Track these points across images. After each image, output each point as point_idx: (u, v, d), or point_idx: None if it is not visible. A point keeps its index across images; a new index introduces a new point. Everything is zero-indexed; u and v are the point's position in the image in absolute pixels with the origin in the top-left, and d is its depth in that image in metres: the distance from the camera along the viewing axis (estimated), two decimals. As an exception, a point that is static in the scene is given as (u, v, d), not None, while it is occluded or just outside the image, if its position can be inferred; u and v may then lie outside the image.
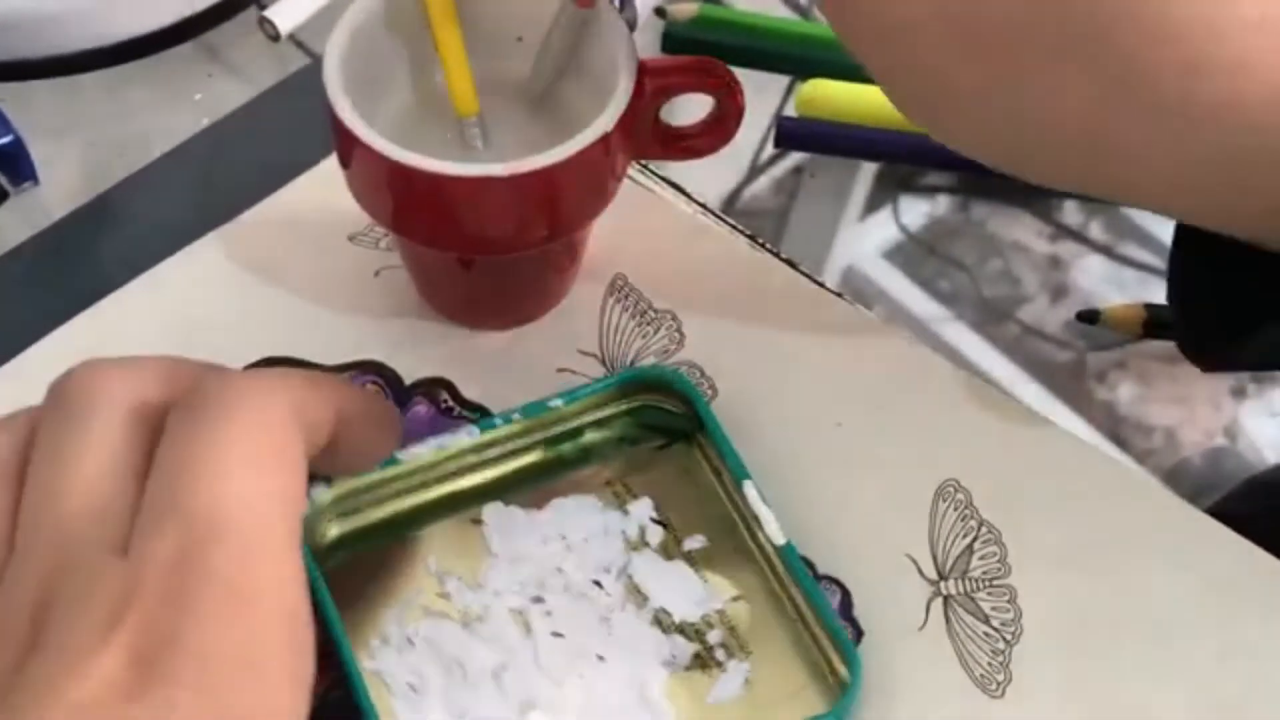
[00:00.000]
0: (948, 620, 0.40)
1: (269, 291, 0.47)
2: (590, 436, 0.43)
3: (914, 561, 0.41)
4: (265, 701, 0.29)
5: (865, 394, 0.45)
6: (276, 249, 0.47)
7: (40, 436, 0.32)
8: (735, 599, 0.40)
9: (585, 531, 0.41)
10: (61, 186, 0.51)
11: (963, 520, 0.42)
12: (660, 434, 0.43)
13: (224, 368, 0.36)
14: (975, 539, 0.42)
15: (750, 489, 0.40)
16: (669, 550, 0.41)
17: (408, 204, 0.41)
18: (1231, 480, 0.47)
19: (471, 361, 0.45)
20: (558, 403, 0.42)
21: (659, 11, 0.56)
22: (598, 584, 0.40)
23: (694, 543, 0.41)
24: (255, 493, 0.30)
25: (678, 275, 0.47)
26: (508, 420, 0.42)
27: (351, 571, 0.40)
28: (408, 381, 0.45)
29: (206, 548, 0.29)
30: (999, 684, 0.39)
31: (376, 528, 0.41)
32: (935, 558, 0.41)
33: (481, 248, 0.43)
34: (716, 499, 0.42)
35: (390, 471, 0.41)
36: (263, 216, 0.48)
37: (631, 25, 0.44)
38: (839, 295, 0.47)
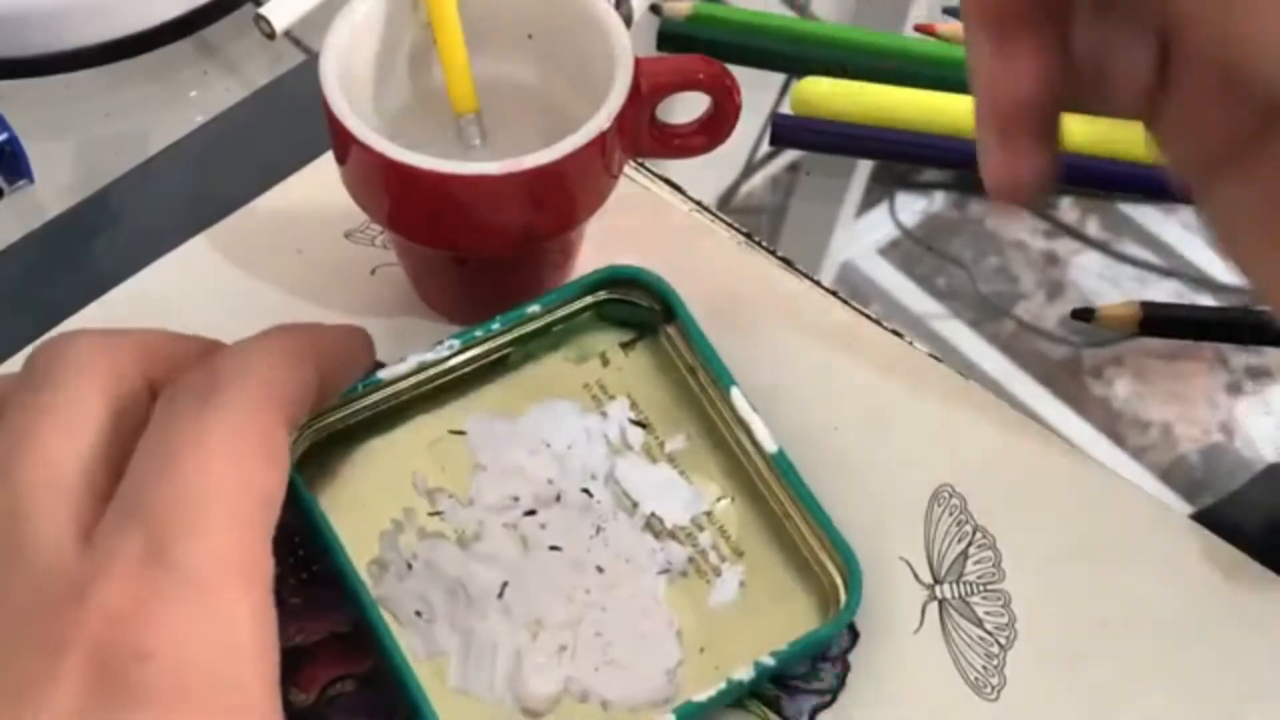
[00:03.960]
0: (943, 624, 0.40)
1: (265, 288, 0.46)
2: (559, 329, 0.43)
3: (909, 565, 0.41)
4: (245, 715, 0.27)
5: (861, 396, 0.45)
6: (272, 246, 0.47)
7: (7, 406, 0.31)
8: (720, 499, 0.41)
9: (568, 438, 0.41)
10: (57, 184, 0.50)
11: (958, 525, 0.42)
12: (628, 328, 0.44)
13: (206, 341, 0.34)
14: (970, 544, 0.42)
15: (737, 395, 0.41)
16: (652, 453, 0.41)
17: (404, 202, 0.41)
18: (1228, 476, 0.47)
19: (467, 360, 0.45)
20: (535, 307, 0.43)
21: (654, 9, 0.55)
22: (587, 492, 0.40)
23: (676, 444, 0.41)
24: (228, 485, 0.29)
25: (673, 273, 0.47)
26: (487, 330, 0.42)
27: (338, 494, 0.40)
28: (404, 380, 0.45)
29: (174, 543, 0.28)
30: (994, 687, 0.39)
31: (356, 441, 0.41)
32: (930, 562, 0.41)
33: (477, 246, 0.43)
34: (691, 395, 0.42)
35: (371, 388, 0.41)
36: (258, 213, 0.48)
37: (627, 22, 0.44)
38: (835, 294, 0.47)
